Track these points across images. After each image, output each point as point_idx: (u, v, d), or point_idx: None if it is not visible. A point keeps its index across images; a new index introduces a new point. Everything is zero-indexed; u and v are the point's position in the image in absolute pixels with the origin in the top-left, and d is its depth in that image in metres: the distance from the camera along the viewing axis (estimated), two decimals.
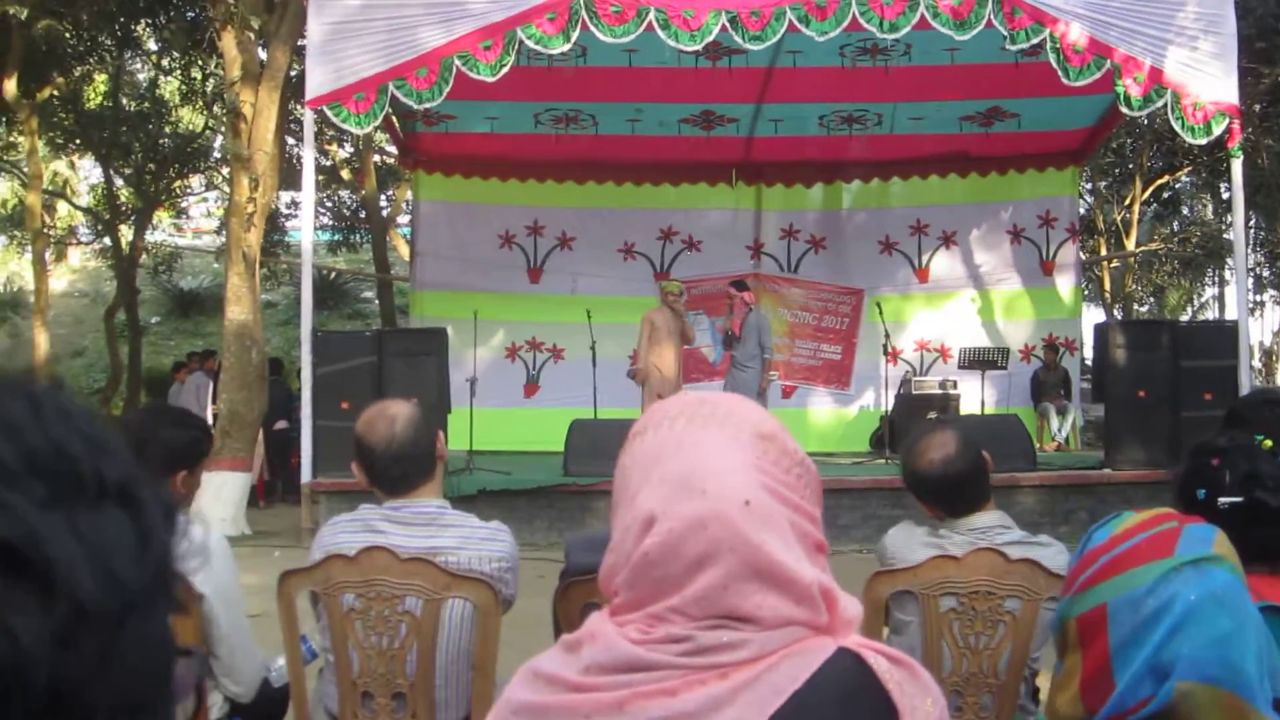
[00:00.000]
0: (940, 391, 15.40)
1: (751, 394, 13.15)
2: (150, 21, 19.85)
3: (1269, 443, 2.32)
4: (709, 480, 1.32)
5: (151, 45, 22.50)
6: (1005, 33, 11.47)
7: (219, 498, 12.19)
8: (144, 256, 24.04)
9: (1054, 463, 12.95)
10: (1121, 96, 11.53)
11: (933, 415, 14.59)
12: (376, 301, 26.83)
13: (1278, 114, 21.29)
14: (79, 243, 29.31)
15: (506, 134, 16.42)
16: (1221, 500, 2.21)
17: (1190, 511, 2.30)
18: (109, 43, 20.25)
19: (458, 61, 11.30)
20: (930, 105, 15.96)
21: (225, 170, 21.15)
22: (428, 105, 11.84)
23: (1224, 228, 28.96)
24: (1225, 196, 25.71)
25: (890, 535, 3.47)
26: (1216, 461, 2.27)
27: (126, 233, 23.05)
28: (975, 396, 15.03)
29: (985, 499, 3.34)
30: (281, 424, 16.21)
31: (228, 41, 12.62)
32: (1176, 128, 11.76)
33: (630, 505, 1.37)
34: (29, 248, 20.49)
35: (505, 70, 11.40)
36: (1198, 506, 2.27)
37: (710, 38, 11.49)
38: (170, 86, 24.29)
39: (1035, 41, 11.52)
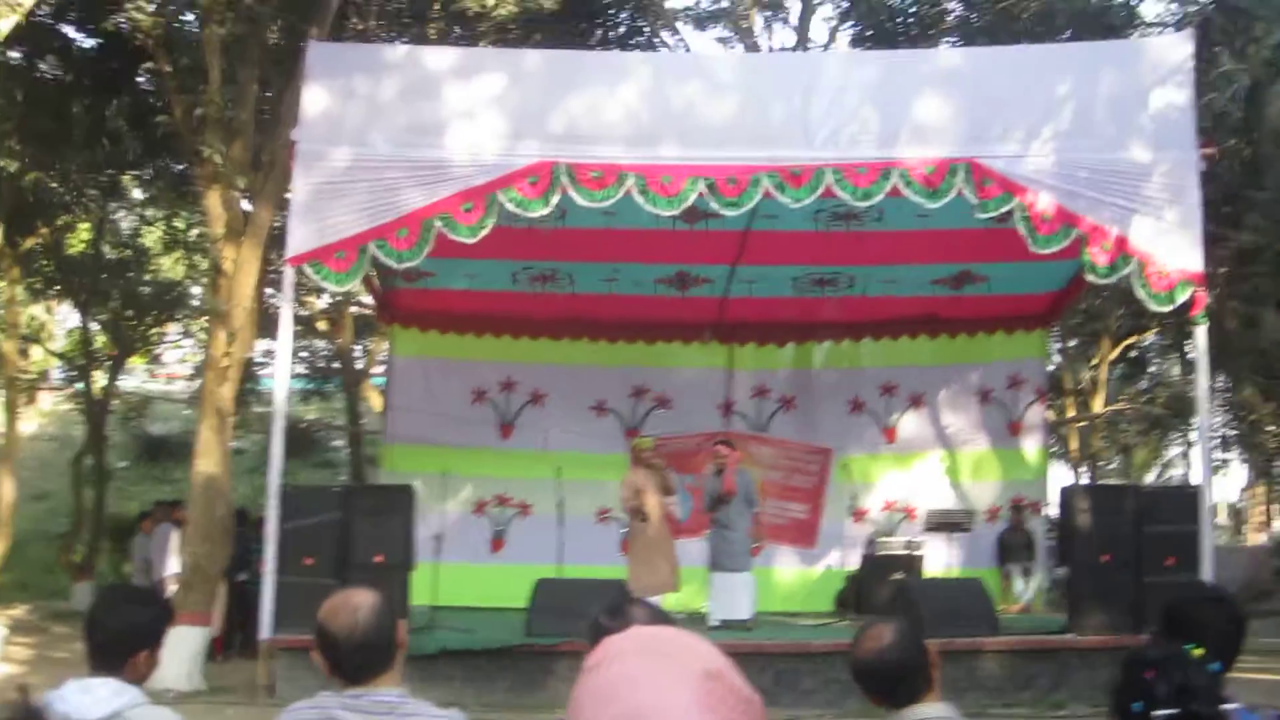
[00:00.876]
0: (906, 553, 15.43)
1: (745, 554, 13.21)
2: (138, 174, 20.11)
3: (1199, 650, 2.39)
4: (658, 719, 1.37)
5: (137, 195, 22.75)
6: (975, 201, 11.74)
7: (175, 653, 11.95)
8: (115, 402, 24.00)
9: (1017, 626, 12.92)
10: (1088, 265, 11.72)
11: (898, 575, 14.61)
12: (347, 450, 26.75)
13: (1243, 277, 21.64)
14: (51, 387, 29.23)
15: (484, 290, 16.59)
16: (1156, 714, 2.27)
17: None
18: (95, 193, 20.49)
19: (438, 223, 11.48)
20: (901, 268, 16.21)
21: (203, 319, 21.24)
22: (407, 264, 12.02)
23: (1190, 388, 29.21)
24: (1191, 356, 26.03)
25: None
26: (1150, 674, 2.33)
27: (99, 378, 23.04)
28: (941, 558, 15.07)
29: (924, 690, 3.35)
30: (242, 576, 16.05)
31: (213, 199, 12.79)
32: (1141, 295, 11.87)
33: None
34: (1, 391, 20.44)
35: (485, 232, 11.58)
36: (1133, 719, 2.33)
37: (688, 203, 11.73)
38: (152, 235, 24.49)
39: (1005, 210, 11.77)
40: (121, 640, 3.24)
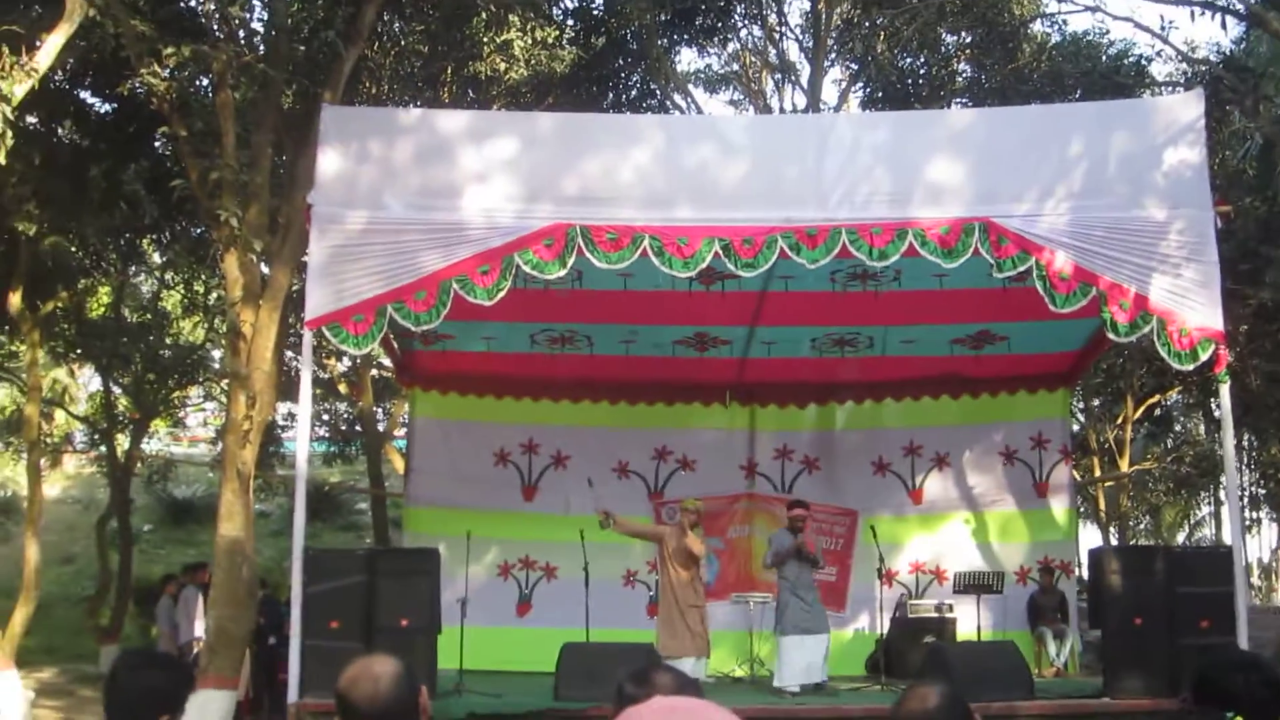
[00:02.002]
0: (936, 615, 15.30)
1: (823, 615, 13.24)
2: (155, 238, 20.25)
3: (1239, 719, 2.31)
4: None
5: (156, 259, 22.90)
6: (992, 260, 11.69)
7: (202, 716, 11.94)
8: (139, 465, 24.04)
9: (1052, 690, 12.73)
10: (1108, 323, 11.63)
11: (929, 639, 14.46)
12: (370, 514, 26.73)
13: (1264, 334, 21.56)
14: (74, 450, 29.35)
15: (503, 353, 16.61)
16: None
17: None
18: (114, 257, 20.62)
19: (455, 285, 11.47)
20: (921, 328, 16.15)
21: (224, 382, 21.31)
22: (425, 327, 12.03)
23: (1216, 446, 29.03)
24: (1216, 414, 25.88)
25: None
26: None
27: (123, 441, 23.09)
28: (971, 620, 14.88)
29: None
30: (271, 640, 16.02)
31: (230, 262, 12.81)
32: (1163, 354, 11.79)
33: None
34: (25, 454, 20.50)
35: (502, 294, 11.56)
36: None
37: (704, 264, 11.69)
38: (172, 299, 24.64)
39: (1022, 269, 11.70)
40: (140, 705, 3.19)
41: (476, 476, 17.05)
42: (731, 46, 27.70)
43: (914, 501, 17.52)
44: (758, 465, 17.73)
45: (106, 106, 16.71)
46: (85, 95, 16.74)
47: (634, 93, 22.94)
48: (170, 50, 11.86)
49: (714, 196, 11.96)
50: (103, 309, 24.27)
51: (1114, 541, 29.43)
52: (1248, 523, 32.29)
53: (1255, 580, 38.65)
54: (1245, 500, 29.45)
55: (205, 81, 14.56)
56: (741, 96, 27.79)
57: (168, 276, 23.77)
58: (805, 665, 12.93)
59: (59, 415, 28.86)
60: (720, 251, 11.57)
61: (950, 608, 15.38)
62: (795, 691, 12.75)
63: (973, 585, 15.26)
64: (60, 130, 16.92)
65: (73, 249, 18.67)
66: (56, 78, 14.67)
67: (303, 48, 14.45)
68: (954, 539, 17.33)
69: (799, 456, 17.75)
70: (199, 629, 15.53)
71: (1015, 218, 11.73)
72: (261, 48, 13.84)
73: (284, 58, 13.46)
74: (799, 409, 17.96)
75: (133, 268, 23.02)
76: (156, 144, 16.98)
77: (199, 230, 18.80)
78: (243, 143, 13.24)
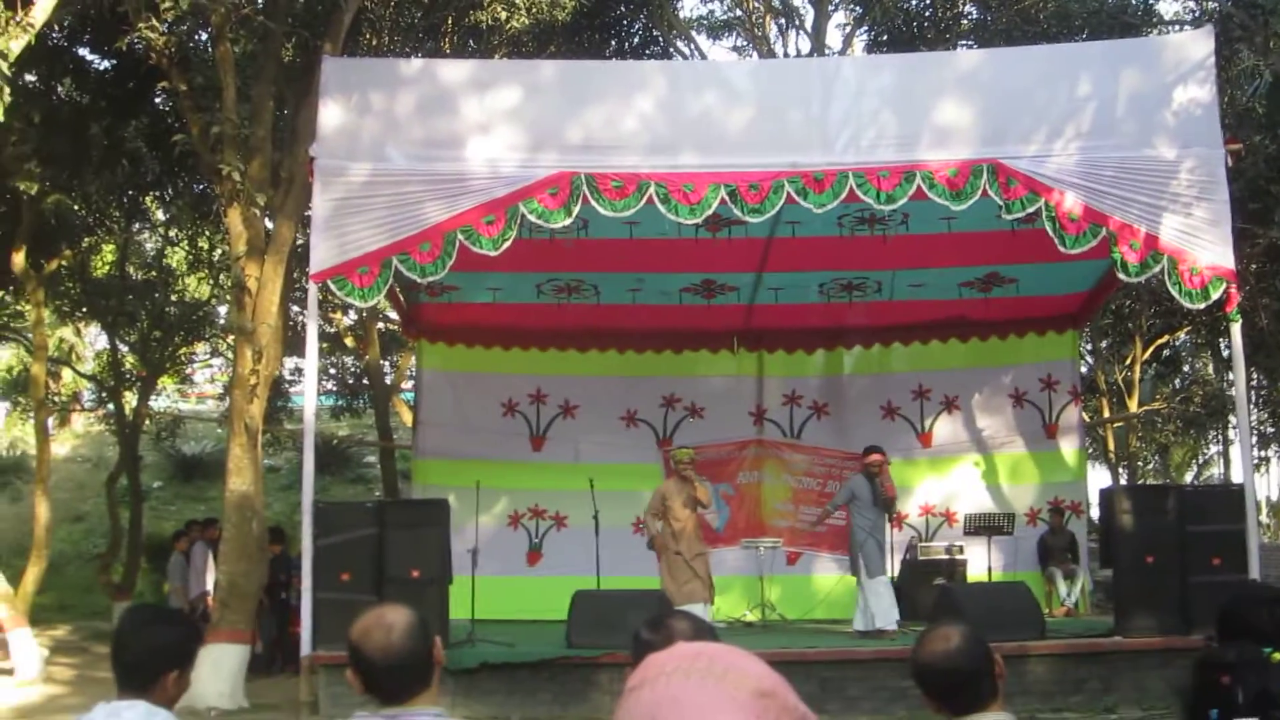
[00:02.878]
0: (947, 557, 15.33)
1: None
2: (158, 194, 20.17)
3: (1278, 655, 2.25)
4: None
5: (159, 215, 22.83)
6: (1000, 202, 11.64)
7: (216, 671, 12.00)
8: (147, 422, 24.06)
9: (1064, 630, 12.77)
10: (1119, 263, 11.62)
11: (940, 581, 14.49)
12: (379, 467, 26.76)
13: (1274, 273, 21.47)
14: (82, 409, 29.40)
15: (509, 304, 16.56)
16: None
17: None
18: (117, 214, 20.55)
19: (460, 236, 11.45)
20: (929, 272, 16.11)
21: (230, 338, 21.31)
22: (431, 279, 11.99)
23: (1226, 386, 29.00)
24: (1225, 354, 25.82)
25: None
26: (1227, 679, 2.20)
27: (130, 399, 23.12)
28: (982, 562, 14.91)
29: (990, 699, 3.23)
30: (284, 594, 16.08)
31: (234, 217, 12.76)
32: (1174, 293, 11.78)
33: None
34: (33, 414, 20.52)
35: (508, 244, 11.54)
36: None
37: (710, 211, 11.67)
38: (177, 256, 24.60)
39: (1030, 210, 11.67)
40: (149, 661, 3.17)
41: (485, 427, 17.06)
42: None
43: (923, 445, 17.53)
44: (766, 411, 17.73)
45: (105, 63, 16.66)
46: (84, 52, 16.69)
47: (636, 40, 22.76)
48: (168, 4, 11.74)
49: (719, 143, 11.92)
50: (107, 267, 24.25)
51: (1123, 482, 29.44)
52: (1256, 461, 32.25)
53: (1264, 518, 38.67)
54: (1255, 439, 29.38)
55: (204, 35, 14.48)
56: (745, 42, 27.52)
57: (172, 233, 23.71)
58: (890, 603, 12.99)
59: (66, 374, 28.95)
60: (726, 197, 11.53)
61: (961, 549, 15.41)
62: (893, 629, 12.80)
63: (983, 527, 15.30)
64: (59, 88, 16.86)
65: (75, 207, 18.62)
66: (54, 35, 14.58)
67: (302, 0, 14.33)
68: (964, 481, 17.37)
69: (808, 402, 17.74)
70: (208, 583, 15.58)
71: (1024, 159, 11.69)
72: (260, 0, 13.71)
73: (283, 10, 13.35)
74: (807, 354, 17.96)
75: (136, 225, 22.96)
76: (157, 100, 16.92)
77: (201, 186, 18.74)
78: (243, 97, 13.18)
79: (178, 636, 3.32)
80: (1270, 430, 31.75)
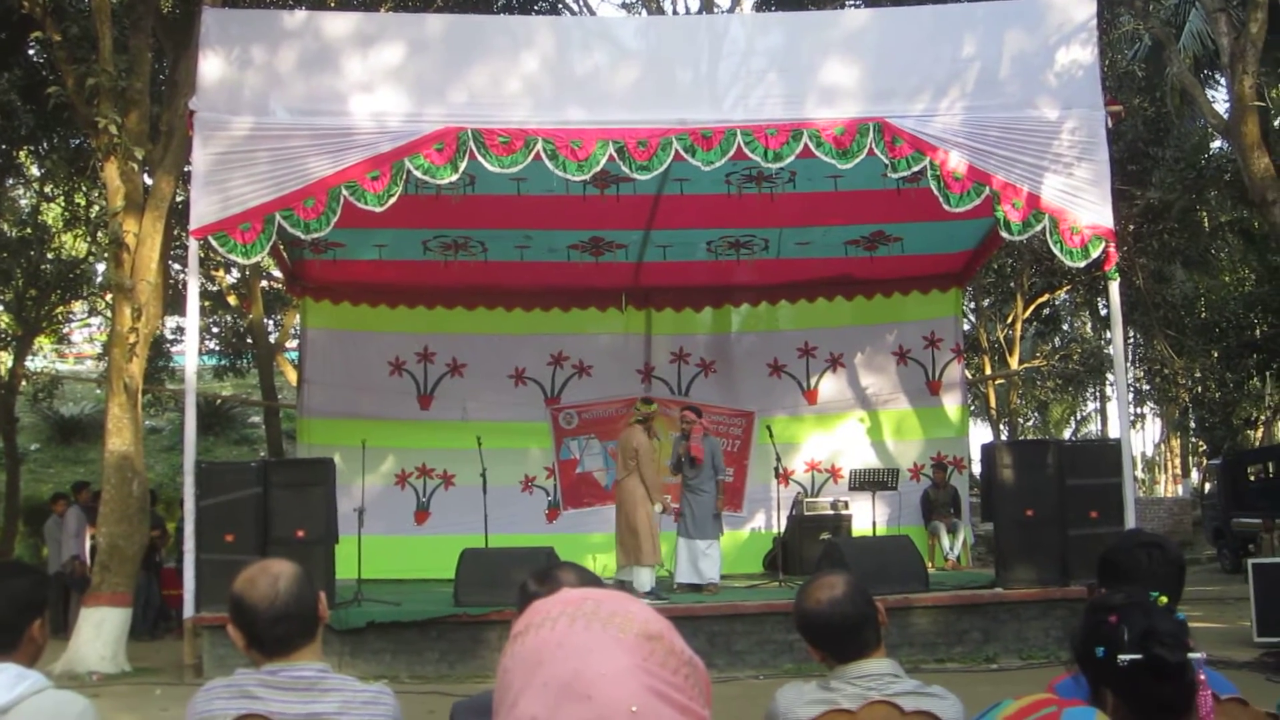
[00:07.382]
0: (832, 512, 15.55)
1: (710, 516, 13.16)
2: (32, 149, 19.61)
3: (1164, 599, 2.32)
4: (594, 685, 1.28)
5: (34, 170, 22.22)
6: (886, 161, 11.76)
7: (98, 635, 11.81)
8: (23, 383, 23.50)
9: (946, 582, 13.01)
10: (1001, 221, 11.84)
11: (825, 536, 14.68)
12: (264, 427, 26.42)
13: (1151, 234, 22.01)
14: None
15: (395, 260, 16.40)
16: (1121, 657, 2.19)
17: (1088, 670, 2.30)
18: None
19: (345, 191, 11.31)
20: (815, 230, 16.21)
21: (108, 297, 20.87)
22: (315, 235, 11.82)
23: (1104, 344, 29.73)
24: (1104, 313, 26.43)
25: (778, 695, 3.39)
26: (1114, 619, 2.26)
27: (6, 359, 22.55)
28: (867, 517, 15.14)
29: (874, 646, 3.28)
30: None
31: (110, 171, 12.44)
32: (1055, 252, 12.05)
33: (511, 711, 1.32)
34: None
35: (393, 200, 11.43)
36: (1096, 664, 2.26)
37: (598, 168, 11.65)
38: (53, 212, 23.96)
39: (916, 169, 11.81)
40: (14, 616, 3.05)
41: (371, 386, 16.93)
42: None
43: (809, 402, 17.72)
44: (654, 369, 17.81)
45: None
46: None
47: None
48: None
49: (607, 99, 11.91)
50: None
51: (1004, 437, 30.07)
52: (1133, 417, 33.10)
53: (1139, 473, 39.78)
54: (1131, 395, 30.14)
55: None
56: None
57: (47, 189, 23.06)
58: (692, 566, 13.15)
59: None
60: (615, 154, 11.52)
61: (846, 505, 15.65)
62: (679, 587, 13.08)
63: (868, 482, 15.52)
64: None
65: None
66: None
67: None
68: (849, 438, 17.61)
69: (695, 359, 17.85)
70: (79, 546, 15.35)
71: (910, 118, 11.83)
72: None
73: None
74: (695, 312, 18.05)
75: (10, 180, 22.29)
76: (30, 51, 16.40)
77: (78, 140, 18.23)
78: (120, 47, 12.82)
79: (33, 582, 3.21)
80: (1146, 387, 32.63)
